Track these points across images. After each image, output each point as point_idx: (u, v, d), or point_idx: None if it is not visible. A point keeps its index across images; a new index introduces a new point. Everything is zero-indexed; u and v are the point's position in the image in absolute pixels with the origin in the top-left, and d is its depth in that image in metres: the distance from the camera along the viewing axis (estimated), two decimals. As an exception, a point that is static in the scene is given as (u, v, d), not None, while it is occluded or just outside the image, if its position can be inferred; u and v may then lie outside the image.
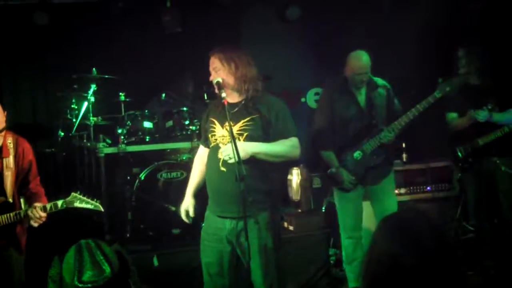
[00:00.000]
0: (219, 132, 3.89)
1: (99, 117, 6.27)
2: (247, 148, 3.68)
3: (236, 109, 3.87)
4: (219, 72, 3.86)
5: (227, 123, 3.69)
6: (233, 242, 3.90)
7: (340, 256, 5.43)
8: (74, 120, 6.34)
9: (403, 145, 6.56)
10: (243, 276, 4.07)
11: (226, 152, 3.64)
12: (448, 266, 1.83)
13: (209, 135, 3.95)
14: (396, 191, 6.14)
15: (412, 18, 6.91)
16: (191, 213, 4.14)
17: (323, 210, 6.15)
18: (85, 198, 4.11)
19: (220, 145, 3.84)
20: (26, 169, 4.27)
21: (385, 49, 6.93)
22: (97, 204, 4.15)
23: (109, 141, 6.15)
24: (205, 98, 6.46)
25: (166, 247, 5.60)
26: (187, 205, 4.16)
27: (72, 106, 6.40)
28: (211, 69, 3.92)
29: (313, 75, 7.77)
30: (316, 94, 7.93)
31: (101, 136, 6.01)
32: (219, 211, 3.92)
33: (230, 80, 3.85)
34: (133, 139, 6.09)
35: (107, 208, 5.71)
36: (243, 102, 3.88)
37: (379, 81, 5.10)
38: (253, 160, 3.71)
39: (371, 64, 4.95)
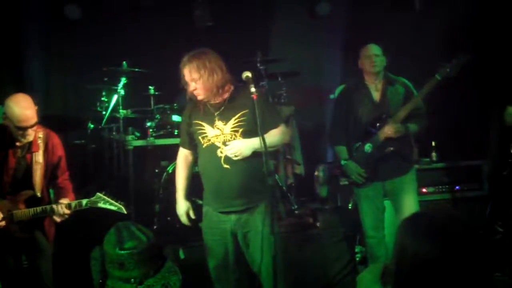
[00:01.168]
0: (211, 132, 3.98)
1: (129, 110, 6.33)
2: (251, 144, 3.83)
3: (222, 108, 3.97)
4: (198, 82, 3.90)
5: (217, 123, 3.92)
6: (237, 234, 4.02)
7: (366, 253, 5.41)
8: (104, 112, 6.40)
9: (433, 143, 6.48)
10: (248, 270, 4.16)
11: (233, 150, 3.82)
12: (479, 268, 1.81)
13: (199, 137, 4.03)
14: (424, 190, 6.09)
15: (444, 15, 6.83)
16: (192, 215, 4.27)
17: (350, 208, 6.11)
18: (109, 199, 4.16)
19: (217, 143, 3.94)
20: (54, 164, 4.33)
21: (414, 47, 6.88)
22: (121, 206, 4.20)
23: (138, 134, 6.22)
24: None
25: (193, 240, 5.62)
26: (186, 208, 4.29)
27: (102, 98, 6.47)
28: (188, 79, 3.95)
29: (342, 72, 7.73)
30: (346, 90, 7.89)
31: (130, 128, 6.08)
32: (221, 207, 4.04)
33: (209, 85, 3.90)
34: (162, 132, 6.15)
35: (134, 199, 5.80)
36: (227, 101, 3.99)
37: (399, 78, 5.07)
38: (251, 155, 3.86)
39: (384, 58, 4.94)
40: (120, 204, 4.20)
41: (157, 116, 6.15)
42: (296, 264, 5.49)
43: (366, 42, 5.12)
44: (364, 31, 7.24)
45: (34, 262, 4.37)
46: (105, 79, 6.46)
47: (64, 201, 4.16)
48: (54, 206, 4.12)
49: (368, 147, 4.91)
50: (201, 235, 5.69)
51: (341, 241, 5.74)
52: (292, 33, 7.72)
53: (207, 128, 4.00)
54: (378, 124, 4.89)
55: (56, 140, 4.35)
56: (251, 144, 3.83)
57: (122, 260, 2.61)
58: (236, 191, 3.93)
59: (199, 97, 3.96)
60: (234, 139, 3.91)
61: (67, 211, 4.12)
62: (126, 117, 6.25)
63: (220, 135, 3.94)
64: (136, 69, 6.19)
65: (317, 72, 7.71)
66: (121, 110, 6.12)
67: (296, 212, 6.40)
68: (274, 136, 3.96)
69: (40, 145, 4.23)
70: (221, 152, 3.92)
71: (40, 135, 4.24)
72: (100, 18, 7.19)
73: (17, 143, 4.16)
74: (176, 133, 6.13)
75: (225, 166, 3.92)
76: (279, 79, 6.83)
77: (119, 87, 6.09)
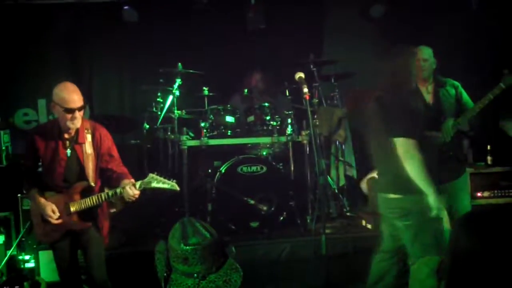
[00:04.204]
0: None
1: (183, 111, 6.43)
2: None
3: None
4: None
5: None
6: None
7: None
8: (159, 113, 6.53)
9: (488, 147, 6.36)
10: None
11: None
12: None
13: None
14: (479, 194, 5.99)
15: (501, 17, 6.69)
16: None
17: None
18: (162, 178, 4.27)
19: None
20: (105, 153, 4.45)
21: (469, 49, 6.77)
22: (173, 183, 4.31)
23: (192, 134, 6.31)
24: (287, 94, 6.49)
25: (244, 239, 5.70)
26: None
27: (158, 99, 6.60)
28: None
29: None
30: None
31: (184, 129, 6.17)
32: None
33: None
34: (215, 132, 6.23)
35: (188, 199, 5.90)
36: None
37: (449, 80, 5.01)
38: None
39: (434, 60, 4.88)
40: (172, 181, 4.30)
41: (211, 116, 6.23)
42: (348, 266, 5.51)
43: (417, 44, 5.09)
44: (417, 32, 7.18)
45: (88, 256, 4.50)
46: (161, 80, 6.59)
47: (127, 181, 4.26)
48: (123, 188, 4.22)
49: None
50: (252, 234, 5.80)
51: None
52: (345, 35, 7.72)
53: None
54: (436, 127, 4.85)
55: (103, 131, 4.49)
56: None
57: (186, 255, 2.68)
58: None
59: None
60: None
61: (136, 192, 4.22)
62: (181, 117, 6.34)
63: None
64: (191, 71, 6.29)
65: (370, 74, 7.65)
66: (176, 111, 6.22)
67: (348, 214, 6.40)
68: None
69: (86, 137, 4.37)
70: None
71: (87, 127, 4.40)
72: (155, 21, 7.36)
73: (66, 135, 4.33)
74: (229, 134, 6.22)
75: None
76: (332, 80, 6.84)
77: (174, 88, 6.19)
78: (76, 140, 4.35)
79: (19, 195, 6.18)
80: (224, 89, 7.01)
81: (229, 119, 6.29)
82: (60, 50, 7.57)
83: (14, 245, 5.94)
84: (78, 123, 4.27)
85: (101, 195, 4.30)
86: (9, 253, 5.77)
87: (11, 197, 6.19)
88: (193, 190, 6.03)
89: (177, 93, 6.21)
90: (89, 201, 4.31)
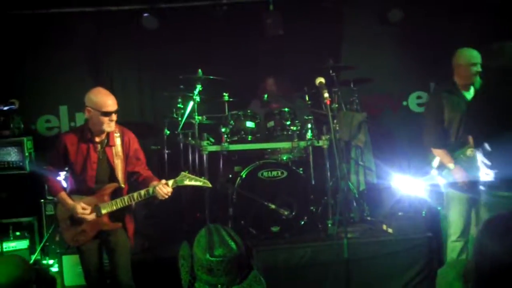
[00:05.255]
0: None
1: (204, 116, 6.48)
2: None
3: None
4: None
5: None
6: None
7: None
8: (179, 119, 6.58)
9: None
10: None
11: None
12: None
13: None
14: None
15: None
16: None
17: (423, 215, 6.05)
18: (194, 176, 4.41)
19: None
20: (133, 156, 4.60)
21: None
22: (206, 180, 4.47)
23: (212, 140, 6.35)
24: (307, 99, 6.50)
25: (265, 244, 5.71)
26: None
27: (178, 105, 6.66)
28: None
29: (415, 79, 7.67)
30: (419, 97, 7.82)
31: (205, 134, 6.20)
32: None
33: None
34: (236, 138, 6.26)
35: (209, 203, 5.93)
36: None
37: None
38: None
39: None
40: (204, 179, 4.44)
41: (231, 122, 6.27)
42: (369, 270, 5.51)
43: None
44: (436, 37, 7.17)
45: (115, 259, 4.57)
46: (181, 86, 6.64)
47: (163, 181, 4.37)
48: (155, 187, 4.33)
49: (470, 151, 4.86)
50: (273, 239, 5.81)
51: (414, 247, 5.70)
52: (362, 40, 7.73)
53: None
54: None
55: (131, 135, 4.65)
56: None
57: (211, 266, 2.67)
58: None
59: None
60: None
61: (169, 189, 4.35)
62: (201, 123, 6.38)
63: None
64: (211, 77, 6.33)
65: (389, 79, 7.67)
66: (196, 116, 6.26)
67: (368, 218, 6.40)
68: None
69: (116, 140, 4.52)
70: None
71: (116, 131, 4.54)
72: (175, 27, 7.43)
73: (97, 139, 4.47)
74: (249, 139, 6.25)
75: None
76: (351, 85, 6.85)
77: (194, 94, 6.23)
78: (108, 143, 4.48)
79: (42, 200, 6.27)
80: (243, 94, 7.05)
81: (250, 124, 6.32)
82: (81, 57, 7.66)
83: (38, 249, 6.02)
84: (113, 125, 4.42)
85: (133, 195, 4.40)
86: (33, 257, 5.85)
87: (34, 203, 6.29)
88: (214, 195, 6.05)
89: (197, 99, 6.24)
90: (120, 202, 4.42)
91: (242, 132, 6.28)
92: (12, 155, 6.45)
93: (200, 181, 4.46)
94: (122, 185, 4.50)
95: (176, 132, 6.79)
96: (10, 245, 5.96)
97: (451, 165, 4.93)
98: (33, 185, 6.29)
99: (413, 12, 7.48)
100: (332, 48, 7.70)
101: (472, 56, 4.91)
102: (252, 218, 5.89)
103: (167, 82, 7.17)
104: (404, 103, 7.84)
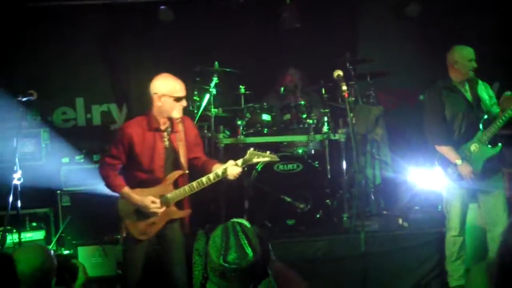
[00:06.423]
0: None
1: (220, 109, 6.45)
2: None
3: None
4: None
5: None
6: None
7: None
8: (196, 111, 6.55)
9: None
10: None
11: None
12: None
13: None
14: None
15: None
16: None
17: (439, 209, 6.02)
18: (261, 152, 4.35)
19: None
20: (194, 141, 4.57)
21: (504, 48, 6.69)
22: (272, 154, 4.37)
23: (228, 132, 6.35)
24: (323, 92, 6.48)
25: (280, 237, 5.71)
26: None
27: (194, 98, 6.63)
28: None
29: (432, 73, 7.61)
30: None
31: (221, 127, 6.21)
32: None
33: None
34: (252, 130, 6.26)
35: (225, 196, 5.93)
36: None
37: (476, 78, 5.09)
38: None
39: None
40: (269, 153, 4.37)
41: (247, 114, 6.26)
42: (384, 265, 5.49)
43: (457, 43, 5.10)
44: (453, 32, 7.11)
45: (169, 254, 4.51)
46: (197, 78, 6.62)
47: (232, 162, 4.37)
48: (226, 168, 4.32)
49: (474, 147, 4.86)
50: (289, 232, 5.80)
51: (430, 242, 5.67)
52: (380, 34, 7.69)
53: None
54: (481, 124, 4.84)
55: (189, 120, 4.62)
56: None
57: (224, 271, 2.51)
58: None
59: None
60: None
61: (240, 169, 4.34)
62: (217, 115, 6.38)
63: None
64: (227, 69, 6.33)
65: (406, 73, 7.63)
66: (212, 109, 6.26)
67: (384, 212, 6.37)
68: None
69: (179, 126, 4.46)
70: None
71: None
72: (191, 20, 7.42)
73: (162, 127, 4.40)
74: (265, 132, 6.23)
75: None
76: (368, 79, 6.82)
77: (210, 87, 6.23)
78: (172, 130, 4.42)
79: (58, 191, 6.30)
80: (260, 87, 7.03)
81: (266, 117, 6.31)
82: (97, 49, 7.67)
83: (54, 240, 6.05)
84: (182, 111, 4.36)
85: (202, 180, 4.32)
86: (49, 248, 5.88)
87: (50, 194, 6.31)
88: (230, 188, 6.05)
89: (213, 91, 6.25)
90: (189, 189, 4.34)
91: (258, 125, 6.27)
92: (28, 146, 6.48)
93: (268, 156, 4.36)
94: (186, 171, 4.44)
95: (193, 125, 6.78)
96: (27, 236, 5.98)
97: (458, 161, 4.93)
98: (49, 176, 6.31)
99: (430, 6, 7.43)
100: (349, 42, 7.67)
101: (469, 52, 4.96)
102: (267, 211, 5.90)
103: (183, 74, 7.13)
104: (421, 97, 7.77)
